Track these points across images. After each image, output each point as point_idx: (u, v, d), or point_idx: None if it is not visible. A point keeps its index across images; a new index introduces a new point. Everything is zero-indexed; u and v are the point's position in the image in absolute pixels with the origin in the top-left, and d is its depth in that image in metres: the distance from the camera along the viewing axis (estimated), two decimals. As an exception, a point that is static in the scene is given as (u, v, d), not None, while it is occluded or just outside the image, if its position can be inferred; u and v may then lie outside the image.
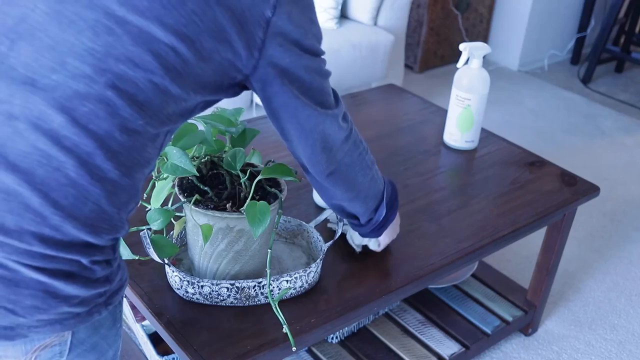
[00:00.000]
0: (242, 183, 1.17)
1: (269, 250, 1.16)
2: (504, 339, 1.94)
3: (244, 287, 1.21)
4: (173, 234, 1.26)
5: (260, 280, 1.21)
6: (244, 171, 1.19)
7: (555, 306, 2.11)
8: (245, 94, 2.36)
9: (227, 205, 1.15)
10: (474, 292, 1.94)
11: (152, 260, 1.30)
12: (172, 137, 1.08)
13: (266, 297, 1.23)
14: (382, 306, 1.33)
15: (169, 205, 1.21)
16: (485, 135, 1.94)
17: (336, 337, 1.71)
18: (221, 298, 1.21)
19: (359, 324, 1.76)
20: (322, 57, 1.02)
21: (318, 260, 1.27)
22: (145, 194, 1.33)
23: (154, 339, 1.55)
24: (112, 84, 0.80)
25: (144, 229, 1.20)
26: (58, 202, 0.80)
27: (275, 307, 1.14)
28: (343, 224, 1.35)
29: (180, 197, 1.16)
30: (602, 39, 3.72)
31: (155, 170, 1.17)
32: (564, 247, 1.84)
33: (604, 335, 2.02)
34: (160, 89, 0.84)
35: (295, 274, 1.23)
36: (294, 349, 1.16)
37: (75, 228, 0.81)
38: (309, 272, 1.26)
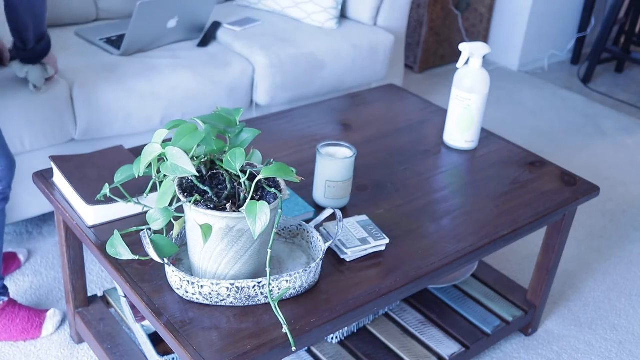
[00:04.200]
0: (242, 183, 1.17)
1: (268, 250, 1.16)
2: (504, 339, 1.94)
3: (244, 287, 1.21)
4: (173, 234, 1.26)
5: (260, 280, 1.21)
6: (243, 171, 1.19)
7: (555, 306, 2.11)
8: (245, 93, 2.37)
9: (227, 205, 1.16)
10: (474, 292, 1.94)
11: (152, 260, 1.30)
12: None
13: (266, 297, 1.23)
14: (382, 306, 1.33)
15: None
16: (485, 135, 1.94)
17: (336, 337, 1.71)
18: (221, 298, 1.21)
19: (359, 324, 1.76)
20: None
21: (318, 260, 1.27)
22: (145, 194, 1.33)
23: (154, 339, 1.55)
24: None
25: (143, 229, 1.20)
26: None
27: (275, 307, 1.14)
28: (343, 225, 1.35)
29: (180, 197, 1.16)
30: (602, 39, 3.72)
31: (155, 170, 1.17)
32: (564, 247, 1.84)
33: (604, 335, 2.02)
34: None
35: (295, 274, 1.23)
36: (293, 349, 1.16)
37: None
38: (309, 272, 1.26)
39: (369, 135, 1.88)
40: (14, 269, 2.02)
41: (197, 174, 1.16)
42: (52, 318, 1.83)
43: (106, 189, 1.26)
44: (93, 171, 1.49)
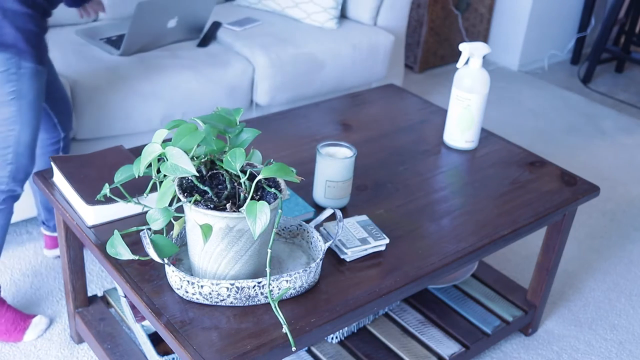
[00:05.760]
0: (242, 183, 1.17)
1: (268, 250, 1.16)
2: (504, 339, 1.94)
3: (244, 287, 1.21)
4: (173, 234, 1.26)
5: (260, 280, 1.21)
6: (243, 171, 1.19)
7: (555, 306, 2.11)
8: (245, 93, 2.37)
9: (227, 205, 1.16)
10: (474, 292, 1.94)
11: (152, 260, 1.30)
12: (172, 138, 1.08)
13: (266, 297, 1.23)
14: (382, 306, 1.33)
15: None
16: (485, 135, 1.94)
17: (336, 337, 1.71)
18: (221, 298, 1.21)
19: (359, 324, 1.76)
20: None
21: (318, 260, 1.27)
22: (145, 194, 1.33)
23: (154, 339, 1.55)
24: None
25: (143, 229, 1.20)
26: None
27: (275, 307, 1.14)
28: (343, 225, 1.35)
29: (180, 197, 1.16)
30: (602, 39, 3.72)
31: (155, 170, 1.17)
32: (564, 247, 1.84)
33: (604, 335, 2.02)
34: None
35: (295, 273, 1.23)
36: (293, 349, 1.16)
37: None
38: (309, 272, 1.26)
39: (369, 135, 1.88)
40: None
41: (197, 174, 1.16)
42: (36, 325, 1.80)
43: (106, 189, 1.26)
44: (93, 171, 1.49)
